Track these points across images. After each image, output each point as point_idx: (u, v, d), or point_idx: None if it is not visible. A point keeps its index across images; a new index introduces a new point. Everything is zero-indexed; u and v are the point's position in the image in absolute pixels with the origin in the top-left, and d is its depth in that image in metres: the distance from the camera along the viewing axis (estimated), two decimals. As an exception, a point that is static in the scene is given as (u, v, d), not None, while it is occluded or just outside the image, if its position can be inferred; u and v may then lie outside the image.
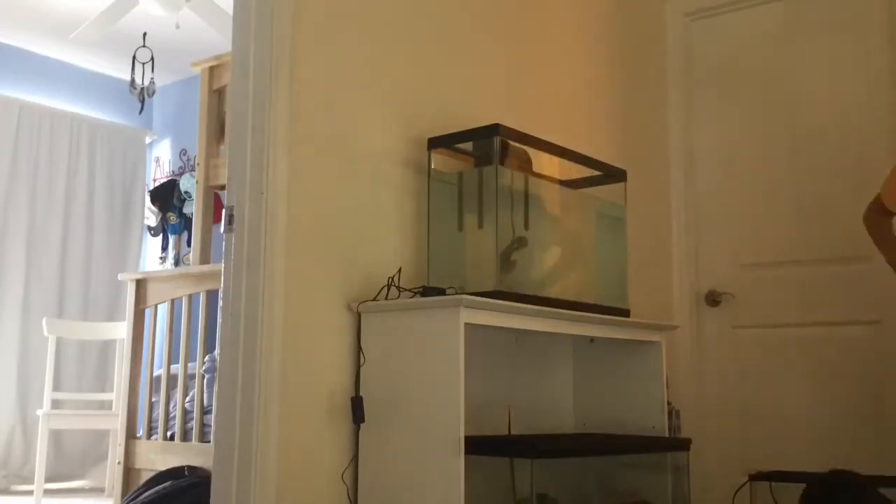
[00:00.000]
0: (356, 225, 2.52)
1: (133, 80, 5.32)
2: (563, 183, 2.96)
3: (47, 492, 4.65)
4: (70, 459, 5.74)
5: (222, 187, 4.44)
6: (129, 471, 3.80)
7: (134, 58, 5.36)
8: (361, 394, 2.41)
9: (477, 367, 2.38)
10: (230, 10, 2.58)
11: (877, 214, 2.65)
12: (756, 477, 2.93)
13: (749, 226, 3.53)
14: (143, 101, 5.38)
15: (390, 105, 2.67)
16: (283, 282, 2.30)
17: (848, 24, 3.44)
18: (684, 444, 2.86)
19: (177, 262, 6.06)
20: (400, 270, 2.50)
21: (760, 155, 3.55)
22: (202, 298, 3.70)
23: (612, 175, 3.02)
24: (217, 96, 4.72)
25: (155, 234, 6.25)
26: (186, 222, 5.93)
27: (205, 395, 3.56)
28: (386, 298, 2.44)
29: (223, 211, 2.42)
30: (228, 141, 2.51)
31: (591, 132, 3.42)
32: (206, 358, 3.61)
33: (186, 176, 6.04)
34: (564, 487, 2.87)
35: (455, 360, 2.23)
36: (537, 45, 3.31)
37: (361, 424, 2.40)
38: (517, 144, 2.69)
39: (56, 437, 5.52)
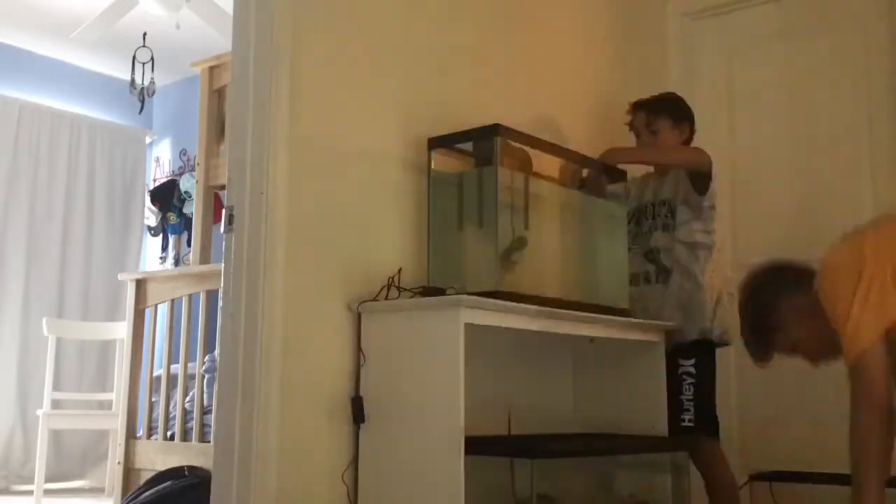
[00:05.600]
0: (356, 225, 2.52)
1: (133, 80, 5.31)
2: (563, 183, 2.96)
3: (47, 492, 4.64)
4: (70, 459, 5.74)
5: (222, 187, 4.43)
6: (129, 471, 3.80)
7: (134, 58, 5.35)
8: (361, 394, 2.41)
9: (477, 367, 2.38)
10: (230, 10, 2.58)
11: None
12: (756, 477, 2.94)
13: (749, 226, 3.53)
14: (143, 101, 5.38)
15: (390, 105, 2.67)
16: (282, 282, 2.30)
17: (848, 24, 3.44)
18: (684, 444, 2.86)
19: (177, 262, 6.05)
20: (400, 270, 2.50)
21: (760, 154, 3.55)
22: (202, 298, 3.70)
23: (612, 175, 3.02)
24: (217, 96, 4.73)
25: (155, 234, 6.24)
26: (186, 222, 5.93)
27: (205, 395, 3.56)
28: (386, 298, 2.44)
29: (223, 211, 2.42)
30: (228, 141, 2.51)
31: (591, 132, 3.41)
32: (206, 358, 3.61)
33: (186, 176, 6.04)
34: (564, 487, 2.86)
35: (455, 360, 2.23)
36: (538, 45, 3.31)
37: (361, 424, 2.40)
38: (517, 144, 2.69)
39: (56, 437, 5.51)
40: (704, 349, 2.90)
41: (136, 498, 3.36)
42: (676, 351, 2.90)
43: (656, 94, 3.15)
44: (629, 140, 3.17)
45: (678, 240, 2.94)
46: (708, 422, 2.86)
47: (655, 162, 3.08)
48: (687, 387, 2.85)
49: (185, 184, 5.98)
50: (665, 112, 3.06)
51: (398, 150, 2.66)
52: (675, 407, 2.85)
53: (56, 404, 4.81)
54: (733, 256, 3.54)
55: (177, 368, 3.80)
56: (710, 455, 2.86)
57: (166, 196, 6.11)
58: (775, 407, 3.31)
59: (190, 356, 3.74)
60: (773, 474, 3.04)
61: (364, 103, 2.59)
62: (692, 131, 3.10)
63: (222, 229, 2.40)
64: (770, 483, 3.02)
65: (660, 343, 2.92)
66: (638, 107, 3.12)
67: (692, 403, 2.84)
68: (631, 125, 3.12)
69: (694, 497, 2.89)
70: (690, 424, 2.83)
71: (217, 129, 4.69)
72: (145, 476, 3.59)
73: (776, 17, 3.59)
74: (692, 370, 2.86)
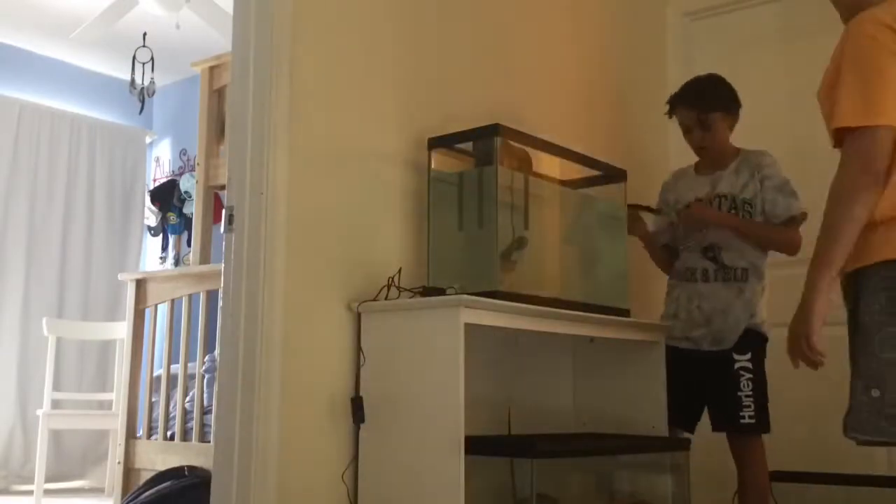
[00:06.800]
0: (356, 225, 2.52)
1: (133, 80, 5.32)
2: (563, 183, 2.96)
3: (47, 492, 4.65)
4: (70, 459, 5.74)
5: (222, 187, 4.43)
6: (129, 471, 3.80)
7: (134, 58, 5.36)
8: (361, 394, 2.41)
9: (477, 367, 2.38)
10: (230, 10, 2.58)
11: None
12: (756, 477, 2.93)
13: (749, 226, 3.53)
14: (143, 101, 5.38)
15: (390, 105, 2.67)
16: (282, 282, 2.30)
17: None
18: (684, 444, 2.86)
19: (177, 262, 6.06)
20: (400, 270, 2.50)
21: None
22: (202, 298, 3.70)
23: (612, 175, 3.02)
24: (217, 96, 4.72)
25: (155, 234, 6.25)
26: (186, 222, 5.93)
27: (205, 395, 3.56)
28: (386, 298, 2.44)
29: (223, 211, 2.42)
30: (228, 141, 2.51)
31: (591, 132, 3.41)
32: (206, 358, 3.61)
33: (186, 176, 6.04)
34: (564, 487, 2.87)
35: (455, 360, 2.23)
36: (538, 45, 3.31)
37: (361, 424, 2.40)
38: (517, 144, 2.69)
39: (56, 437, 5.51)
40: (756, 342, 2.84)
41: (136, 498, 3.37)
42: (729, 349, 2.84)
43: (694, 83, 2.99)
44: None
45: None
46: (765, 417, 2.81)
47: (749, 237, 2.87)
48: (745, 382, 2.79)
49: (185, 184, 5.98)
50: (715, 104, 2.91)
51: (398, 149, 2.66)
52: (731, 404, 2.78)
53: (56, 404, 4.81)
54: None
55: (177, 368, 3.80)
56: (754, 451, 2.81)
57: (166, 196, 6.11)
58: (775, 407, 3.31)
59: (190, 356, 3.74)
60: (773, 474, 3.04)
61: (364, 103, 2.59)
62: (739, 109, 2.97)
63: (222, 229, 2.40)
64: (770, 483, 3.02)
65: (660, 343, 2.93)
66: (680, 103, 2.96)
67: (752, 399, 2.78)
68: (680, 123, 2.98)
69: (694, 497, 2.88)
70: (752, 421, 2.78)
71: (217, 129, 4.69)
72: (145, 476, 3.59)
73: (776, 17, 3.59)
74: (749, 365, 2.80)
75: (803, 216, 2.85)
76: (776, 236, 2.87)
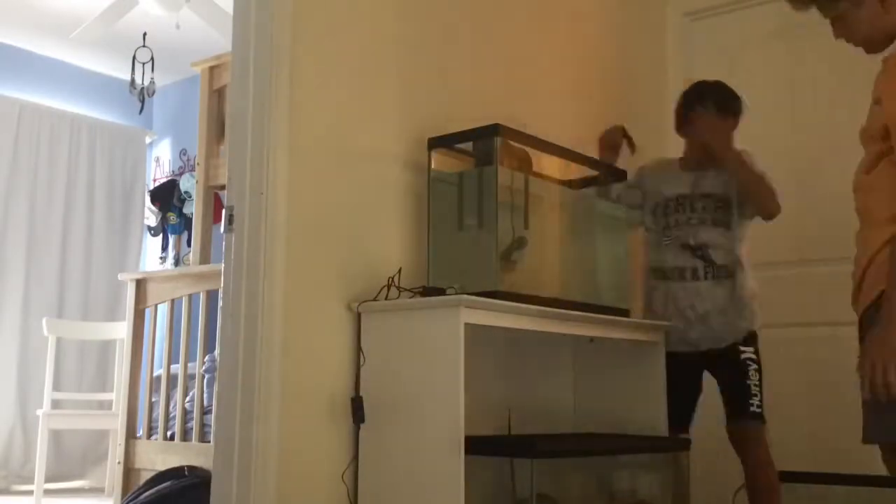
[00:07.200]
0: (356, 225, 2.52)
1: (133, 80, 5.32)
2: (563, 183, 2.96)
3: (47, 492, 4.65)
4: (70, 459, 5.74)
5: (222, 187, 4.44)
6: (129, 471, 3.80)
7: (134, 58, 5.36)
8: (361, 394, 2.41)
9: (477, 367, 2.38)
10: (230, 10, 2.58)
11: None
12: (756, 477, 2.93)
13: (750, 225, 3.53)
14: (143, 101, 5.39)
15: (390, 105, 2.67)
16: (282, 282, 2.31)
17: (848, 24, 3.44)
18: (684, 444, 2.86)
19: (177, 262, 6.06)
20: (400, 270, 2.50)
21: (761, 154, 3.55)
22: (202, 298, 3.70)
23: (612, 175, 3.02)
24: (217, 96, 4.73)
25: (155, 234, 6.25)
26: (186, 222, 5.93)
27: (205, 395, 3.56)
28: (386, 298, 2.44)
29: (223, 211, 2.42)
30: (228, 141, 2.51)
31: (591, 132, 3.41)
32: (206, 358, 3.61)
33: (186, 176, 6.04)
34: (564, 487, 2.87)
35: (455, 360, 2.23)
36: (537, 45, 3.31)
37: (361, 424, 2.40)
38: (517, 144, 2.70)
39: (56, 437, 5.51)
40: (756, 337, 2.89)
41: (136, 498, 3.37)
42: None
43: (707, 87, 2.96)
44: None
45: (738, 238, 2.89)
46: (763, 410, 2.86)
47: (747, 183, 2.88)
48: (753, 372, 2.83)
49: (185, 184, 5.98)
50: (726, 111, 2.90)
51: (398, 150, 2.66)
52: (741, 392, 2.81)
53: (56, 404, 4.81)
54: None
55: (177, 368, 3.80)
56: (763, 441, 2.83)
57: (166, 196, 6.12)
58: (776, 407, 3.31)
59: (190, 356, 3.74)
60: (773, 474, 3.03)
61: (364, 103, 2.59)
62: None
63: (222, 229, 2.40)
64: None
65: (660, 343, 2.92)
66: (695, 102, 2.92)
67: (759, 389, 2.82)
68: (691, 122, 2.94)
69: (694, 497, 2.88)
70: (759, 410, 2.81)
71: (217, 129, 4.69)
72: (145, 476, 3.59)
73: (776, 17, 3.59)
74: (754, 356, 2.85)
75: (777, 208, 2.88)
76: (766, 191, 2.85)
